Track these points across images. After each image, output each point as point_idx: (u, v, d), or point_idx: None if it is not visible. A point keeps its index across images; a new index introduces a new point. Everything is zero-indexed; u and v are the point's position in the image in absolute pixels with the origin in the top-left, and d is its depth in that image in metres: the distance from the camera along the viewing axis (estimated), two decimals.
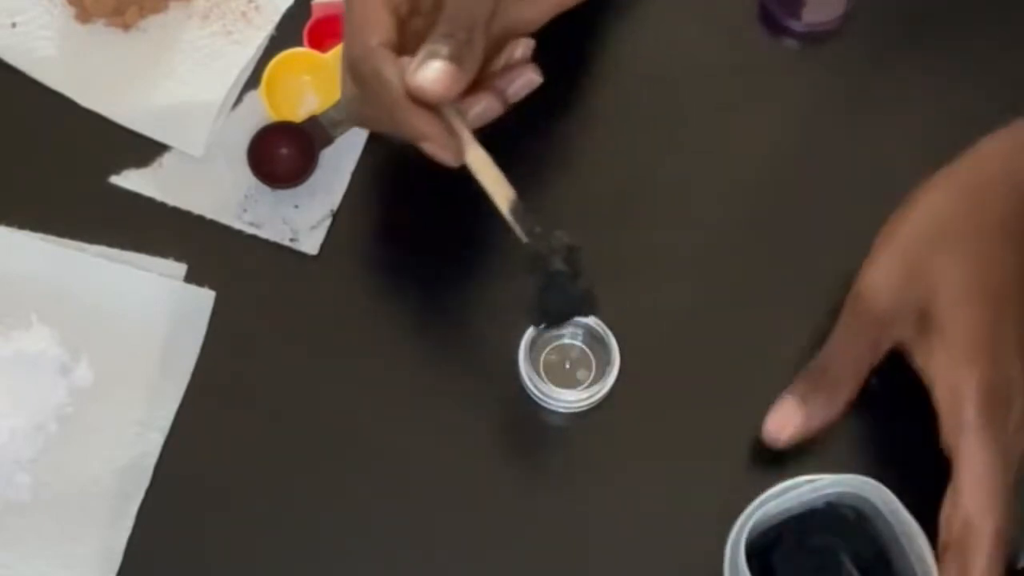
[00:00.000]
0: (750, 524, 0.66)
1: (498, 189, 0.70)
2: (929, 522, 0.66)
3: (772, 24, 0.87)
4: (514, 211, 0.70)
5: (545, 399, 0.74)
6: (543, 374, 0.75)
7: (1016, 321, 0.69)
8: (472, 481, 0.74)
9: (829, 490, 0.67)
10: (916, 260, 0.71)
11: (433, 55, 0.69)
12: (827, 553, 0.68)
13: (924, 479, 0.72)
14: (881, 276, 0.71)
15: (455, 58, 0.69)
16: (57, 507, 0.73)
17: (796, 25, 0.86)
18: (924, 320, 0.70)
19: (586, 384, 0.75)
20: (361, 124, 0.78)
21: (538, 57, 0.76)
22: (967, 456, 0.67)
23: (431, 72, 0.69)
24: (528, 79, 0.74)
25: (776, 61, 0.87)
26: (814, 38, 0.87)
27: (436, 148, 0.70)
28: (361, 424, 0.75)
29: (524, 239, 0.70)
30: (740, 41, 0.87)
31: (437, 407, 0.76)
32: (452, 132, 0.70)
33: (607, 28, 0.87)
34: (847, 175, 0.79)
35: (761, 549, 0.68)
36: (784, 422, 0.71)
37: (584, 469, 0.74)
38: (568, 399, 0.74)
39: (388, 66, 0.70)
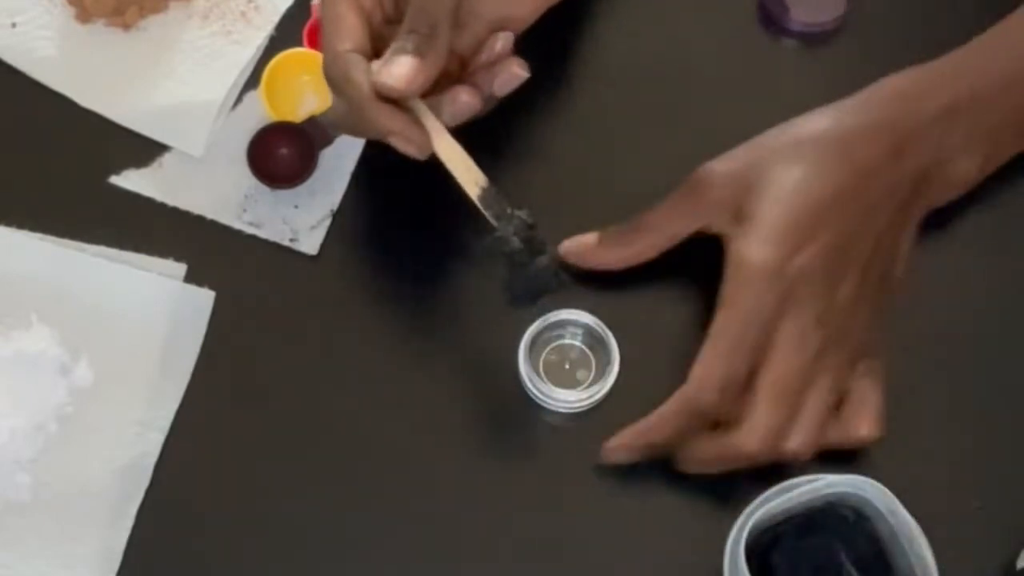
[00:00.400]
0: (750, 524, 0.66)
1: (467, 176, 0.71)
2: (929, 522, 0.66)
3: (772, 24, 0.87)
4: (484, 197, 0.71)
5: (545, 399, 0.74)
6: (543, 374, 0.75)
7: (825, 250, 0.72)
8: (472, 481, 0.74)
9: (829, 490, 0.67)
10: (759, 161, 0.74)
11: (397, 52, 0.71)
12: (827, 553, 0.68)
13: (924, 479, 0.72)
14: (721, 164, 0.74)
15: (418, 52, 0.71)
16: (57, 507, 0.73)
17: (795, 25, 0.86)
18: (743, 212, 0.72)
19: (586, 384, 0.75)
20: (343, 130, 0.78)
21: (535, 58, 0.76)
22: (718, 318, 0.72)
23: (395, 67, 0.70)
24: (512, 73, 0.74)
25: (776, 61, 0.87)
26: (813, 38, 0.87)
27: (402, 142, 0.72)
28: (361, 424, 0.75)
29: (494, 224, 0.70)
30: (740, 41, 0.87)
31: (437, 407, 0.76)
32: (418, 126, 0.72)
33: (606, 28, 0.87)
34: None
35: (761, 549, 0.68)
36: (579, 246, 0.76)
37: (584, 469, 0.74)
38: (568, 399, 0.74)
39: (357, 69, 0.71)
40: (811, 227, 0.72)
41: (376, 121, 0.71)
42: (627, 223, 0.76)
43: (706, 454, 0.71)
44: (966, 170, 0.76)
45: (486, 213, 0.71)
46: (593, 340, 0.76)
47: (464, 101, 0.72)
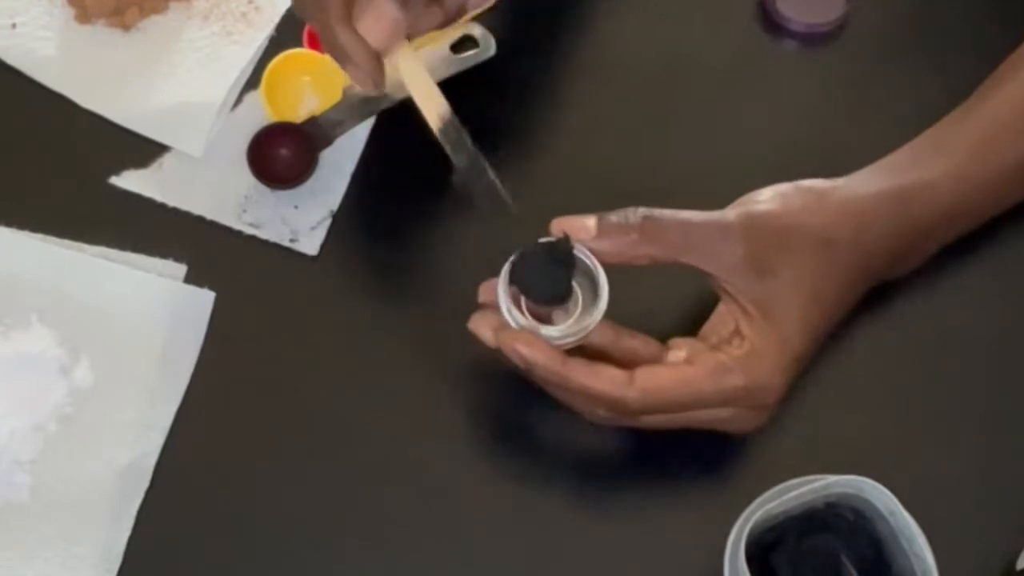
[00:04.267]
0: (750, 524, 0.66)
1: (430, 105, 0.71)
2: (929, 522, 0.66)
3: (772, 24, 0.87)
4: (445, 128, 0.70)
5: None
6: (523, 307, 0.70)
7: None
8: (472, 481, 0.74)
9: (829, 490, 0.67)
10: (788, 241, 0.71)
11: None
12: (827, 553, 0.68)
13: (924, 479, 0.72)
14: (756, 228, 0.71)
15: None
16: (57, 507, 0.73)
17: (796, 25, 0.86)
18: (762, 304, 0.70)
19: (573, 318, 0.70)
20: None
21: (535, 58, 0.76)
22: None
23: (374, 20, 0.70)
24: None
25: (776, 61, 0.87)
26: (814, 38, 0.87)
27: (358, 74, 0.71)
28: (361, 423, 0.75)
29: (450, 156, 0.70)
30: (740, 41, 0.87)
31: (438, 408, 0.76)
32: (377, 60, 0.70)
33: (607, 28, 0.87)
34: (845, 175, 0.79)
35: (761, 549, 0.68)
36: (574, 230, 0.70)
37: (584, 469, 0.74)
38: (551, 334, 0.69)
39: None
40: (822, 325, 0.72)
41: (338, 44, 0.70)
42: (633, 214, 0.70)
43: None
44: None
45: (446, 146, 0.70)
46: (580, 274, 0.70)
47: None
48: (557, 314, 0.71)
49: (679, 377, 0.69)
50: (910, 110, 0.81)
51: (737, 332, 0.71)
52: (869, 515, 0.68)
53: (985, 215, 0.77)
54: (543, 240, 0.70)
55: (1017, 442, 0.75)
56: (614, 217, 0.70)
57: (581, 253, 0.70)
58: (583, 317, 0.70)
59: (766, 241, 0.71)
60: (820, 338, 0.73)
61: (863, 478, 0.67)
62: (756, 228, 0.71)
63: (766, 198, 0.72)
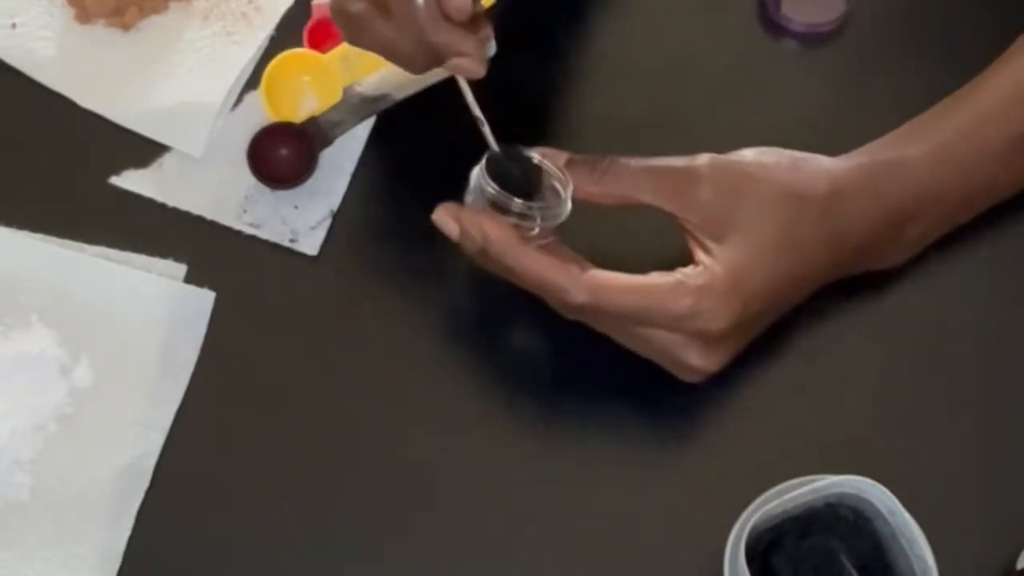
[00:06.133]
0: (750, 525, 0.66)
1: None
2: (929, 522, 0.67)
3: (772, 24, 0.87)
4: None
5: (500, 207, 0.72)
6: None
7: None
8: (471, 480, 0.74)
9: (829, 490, 0.67)
10: (753, 194, 0.72)
11: None
12: (827, 553, 0.68)
13: (924, 479, 0.72)
14: (721, 171, 0.73)
15: None
16: (57, 507, 0.73)
17: (796, 25, 0.86)
18: (720, 236, 0.72)
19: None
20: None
21: (534, 58, 0.76)
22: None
23: None
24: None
25: (776, 61, 0.87)
26: (814, 38, 0.87)
27: (467, 62, 0.70)
28: (361, 424, 0.75)
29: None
30: (740, 41, 0.87)
31: (437, 407, 0.76)
32: (479, 41, 0.70)
33: (607, 28, 0.87)
34: None
35: (761, 550, 0.68)
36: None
37: (584, 470, 0.74)
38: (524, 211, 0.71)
39: None
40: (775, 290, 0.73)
41: (443, 40, 0.68)
42: (602, 159, 0.74)
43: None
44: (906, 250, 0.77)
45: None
46: (547, 189, 0.73)
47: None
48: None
49: (633, 285, 0.70)
50: (911, 110, 0.81)
51: (694, 262, 0.72)
52: (869, 515, 0.68)
53: (967, 204, 0.77)
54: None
55: (1017, 442, 0.75)
56: (582, 157, 0.73)
57: (549, 164, 0.73)
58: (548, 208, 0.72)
59: (731, 184, 0.72)
60: (780, 292, 0.73)
61: (863, 478, 0.67)
62: (723, 170, 0.73)
63: (742, 153, 0.74)
